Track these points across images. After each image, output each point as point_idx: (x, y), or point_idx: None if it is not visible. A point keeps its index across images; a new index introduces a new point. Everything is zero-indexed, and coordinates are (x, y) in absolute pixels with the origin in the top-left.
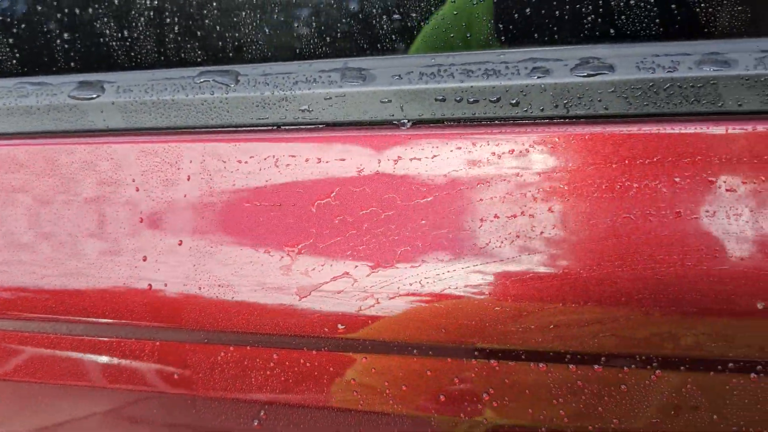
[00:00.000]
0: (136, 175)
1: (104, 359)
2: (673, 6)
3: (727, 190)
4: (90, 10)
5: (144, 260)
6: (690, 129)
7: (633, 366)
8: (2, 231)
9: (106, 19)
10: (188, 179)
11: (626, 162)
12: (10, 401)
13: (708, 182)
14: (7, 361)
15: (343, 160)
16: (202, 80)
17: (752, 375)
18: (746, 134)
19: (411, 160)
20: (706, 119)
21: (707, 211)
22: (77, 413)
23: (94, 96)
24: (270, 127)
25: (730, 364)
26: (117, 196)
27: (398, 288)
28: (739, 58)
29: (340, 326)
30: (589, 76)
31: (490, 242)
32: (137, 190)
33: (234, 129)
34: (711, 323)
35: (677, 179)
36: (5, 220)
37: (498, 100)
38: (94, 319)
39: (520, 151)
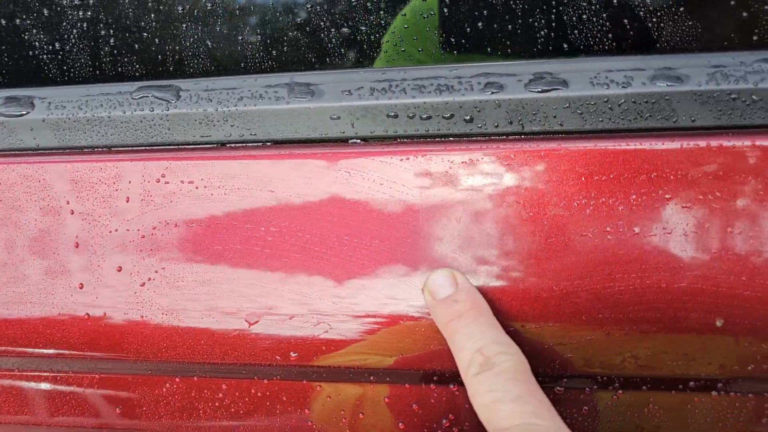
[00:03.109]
0: (71, 197)
1: (41, 393)
2: (620, 20)
3: (682, 207)
4: (16, 19)
5: (81, 287)
6: (645, 145)
7: (595, 387)
8: None
9: (34, 30)
10: (127, 201)
11: (582, 179)
12: None
13: (664, 199)
14: None
15: (291, 179)
16: (140, 96)
17: (713, 393)
18: (700, 149)
19: (361, 178)
20: (662, 135)
21: (664, 228)
22: None
23: (24, 113)
24: (213, 145)
25: (691, 383)
26: (51, 219)
27: (353, 311)
28: (691, 73)
29: (292, 354)
30: (543, 91)
31: (446, 261)
32: (72, 213)
33: (176, 147)
34: (670, 341)
35: (633, 196)
36: None
37: (451, 116)
38: (28, 350)
39: (475, 168)
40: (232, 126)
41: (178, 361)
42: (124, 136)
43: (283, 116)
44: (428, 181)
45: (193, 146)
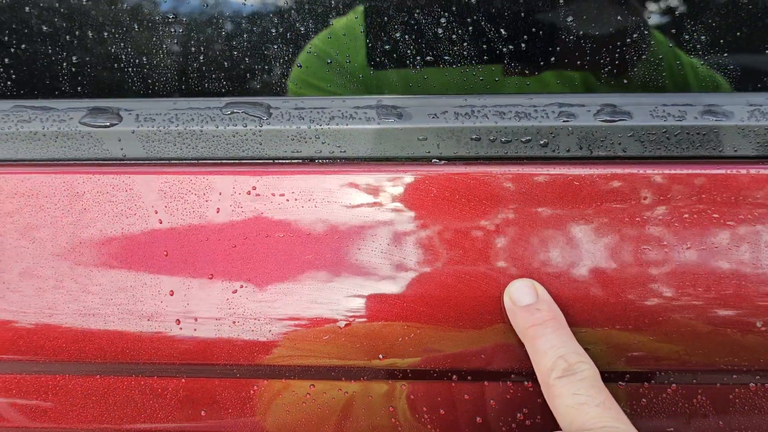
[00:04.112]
0: (159, 206)
1: (130, 397)
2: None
3: (726, 224)
4: (104, 31)
5: (171, 294)
6: (696, 170)
7: (653, 382)
8: None
9: (122, 43)
10: (217, 211)
11: (644, 200)
12: None
13: (712, 217)
14: None
15: (380, 193)
16: (231, 111)
17: (751, 385)
18: (741, 176)
19: (446, 193)
20: (710, 162)
21: (712, 243)
22: None
23: (112, 124)
24: (303, 160)
25: (734, 376)
26: (139, 228)
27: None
28: (734, 110)
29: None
30: (609, 121)
31: (531, 266)
32: (160, 222)
33: (267, 161)
34: (719, 341)
35: (686, 215)
36: None
37: (528, 140)
38: (110, 358)
39: (550, 187)
40: (323, 143)
41: (268, 365)
42: (215, 150)
43: (373, 136)
44: (506, 196)
45: (283, 161)
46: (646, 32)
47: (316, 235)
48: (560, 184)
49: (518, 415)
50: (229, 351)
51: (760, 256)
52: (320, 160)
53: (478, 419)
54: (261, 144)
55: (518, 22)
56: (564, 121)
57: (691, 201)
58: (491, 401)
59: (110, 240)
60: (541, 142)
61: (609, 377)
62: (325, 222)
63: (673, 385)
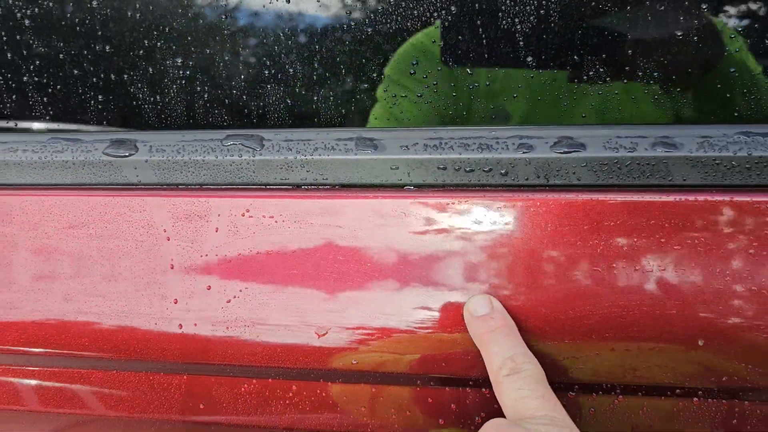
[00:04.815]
0: (168, 225)
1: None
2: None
3: (673, 248)
4: (124, 74)
5: (175, 302)
6: (646, 198)
7: (600, 392)
8: None
9: (139, 84)
10: (216, 231)
11: (595, 224)
12: None
13: (660, 242)
14: None
15: (356, 217)
16: (230, 143)
17: (694, 399)
18: (690, 203)
19: (414, 217)
20: (659, 190)
21: (658, 265)
22: None
23: (129, 154)
24: (290, 186)
25: (678, 390)
26: (150, 244)
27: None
28: (684, 141)
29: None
30: (565, 153)
31: (484, 286)
32: (168, 240)
33: (259, 187)
34: (661, 356)
35: (635, 239)
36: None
37: (490, 170)
38: (122, 355)
39: (509, 212)
40: (308, 171)
41: (255, 365)
42: (215, 176)
43: (351, 165)
44: (469, 221)
45: (273, 186)
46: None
47: (300, 253)
48: (518, 208)
49: None
50: None
51: (702, 277)
52: (305, 186)
53: None
54: (254, 172)
55: (591, 31)
56: (523, 153)
57: (641, 226)
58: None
59: (128, 250)
60: (502, 172)
61: (560, 386)
62: (309, 241)
63: (620, 397)
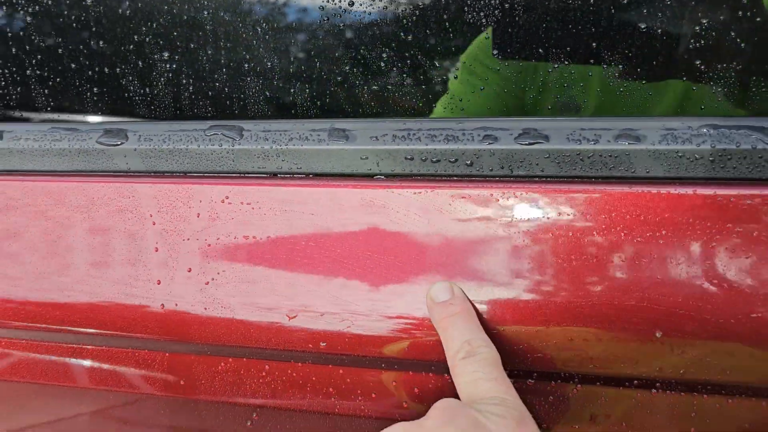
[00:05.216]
0: (153, 210)
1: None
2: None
3: (635, 239)
4: (116, 68)
5: (158, 283)
6: (609, 189)
7: (558, 381)
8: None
9: (131, 77)
10: (198, 216)
11: (557, 214)
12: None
13: (621, 233)
14: None
15: (328, 204)
16: (212, 133)
17: (653, 391)
18: (652, 195)
19: (382, 206)
20: (622, 182)
21: (619, 256)
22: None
23: (120, 143)
24: (267, 175)
25: (635, 381)
26: (137, 227)
27: (381, 312)
28: (648, 134)
29: (321, 343)
30: (529, 144)
31: (444, 273)
32: (154, 224)
33: (238, 175)
34: (620, 346)
35: (596, 231)
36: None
37: (456, 160)
38: (108, 330)
39: (473, 201)
40: (283, 161)
41: (230, 345)
42: (198, 165)
43: (323, 155)
44: (434, 210)
45: (251, 175)
46: None
47: (275, 238)
48: (484, 197)
49: None
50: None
51: (664, 270)
52: (281, 175)
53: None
54: (233, 161)
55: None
56: (488, 144)
57: (601, 218)
58: None
59: (117, 234)
60: (467, 162)
61: (519, 374)
62: (283, 227)
63: (578, 386)
